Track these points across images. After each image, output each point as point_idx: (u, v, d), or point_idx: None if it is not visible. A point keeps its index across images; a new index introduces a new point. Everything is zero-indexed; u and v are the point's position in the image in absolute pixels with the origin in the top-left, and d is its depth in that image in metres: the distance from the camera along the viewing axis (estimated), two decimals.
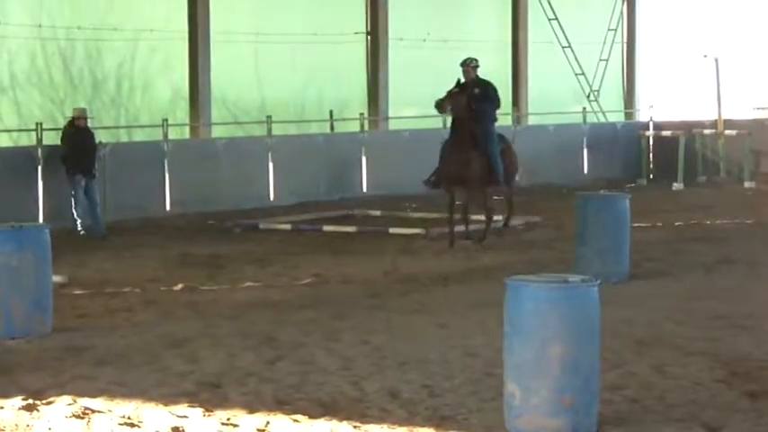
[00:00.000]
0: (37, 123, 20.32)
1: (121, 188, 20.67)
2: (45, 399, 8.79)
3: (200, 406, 8.52)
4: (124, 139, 23.00)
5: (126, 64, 23.66)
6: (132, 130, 23.74)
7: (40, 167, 19.95)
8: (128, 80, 23.83)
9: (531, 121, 30.72)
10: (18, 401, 8.66)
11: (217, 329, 11.56)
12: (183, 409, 8.47)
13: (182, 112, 24.64)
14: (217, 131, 24.83)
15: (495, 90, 18.05)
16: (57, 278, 12.90)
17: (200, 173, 22.35)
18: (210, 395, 8.92)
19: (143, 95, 24.34)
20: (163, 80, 24.52)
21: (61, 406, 8.61)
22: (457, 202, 17.78)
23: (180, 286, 14.22)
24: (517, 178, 19.53)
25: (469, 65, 17.95)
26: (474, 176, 17.27)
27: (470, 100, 17.31)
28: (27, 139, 20.97)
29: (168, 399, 8.77)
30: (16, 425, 8.13)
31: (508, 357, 7.88)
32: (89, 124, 19.81)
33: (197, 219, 21.17)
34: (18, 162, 19.94)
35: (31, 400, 8.71)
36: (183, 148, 22.87)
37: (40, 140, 20.07)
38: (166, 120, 22.38)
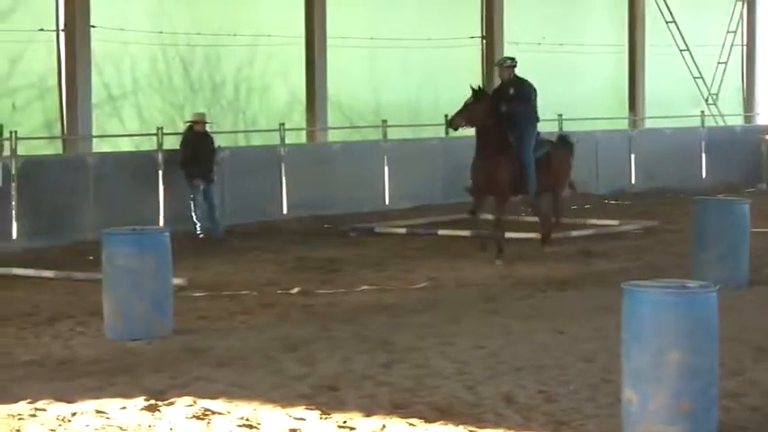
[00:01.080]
0: (158, 128, 20.63)
1: (239, 192, 20.87)
2: (166, 399, 8.94)
3: (317, 408, 8.59)
4: (242, 143, 23.26)
5: (244, 69, 23.94)
6: (250, 134, 24.01)
7: (160, 171, 20.22)
8: (246, 85, 24.10)
9: (648, 124, 30.39)
10: (140, 402, 8.81)
11: (333, 333, 11.64)
12: (300, 411, 8.55)
13: (298, 117, 24.86)
14: (333, 135, 25.00)
15: (531, 89, 16.90)
16: (176, 281, 13.09)
17: (317, 177, 22.49)
18: (327, 398, 8.98)
19: (260, 100, 24.59)
20: (280, 84, 24.75)
21: (181, 407, 8.74)
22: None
23: (296, 289, 14.34)
24: (567, 191, 18.05)
25: (503, 64, 17.11)
26: (500, 184, 16.25)
27: (500, 102, 16.38)
28: (148, 144, 21.33)
29: (285, 401, 8.85)
30: (138, 425, 8.28)
31: (626, 363, 7.82)
32: (208, 129, 20.05)
33: (313, 222, 21.32)
34: (139, 166, 20.22)
35: (152, 401, 8.87)
36: (299, 153, 23.04)
37: (160, 145, 20.39)
38: (283, 124, 22.56)
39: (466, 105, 16.32)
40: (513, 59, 17.12)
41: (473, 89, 16.40)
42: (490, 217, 17.07)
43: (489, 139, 16.23)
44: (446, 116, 25.74)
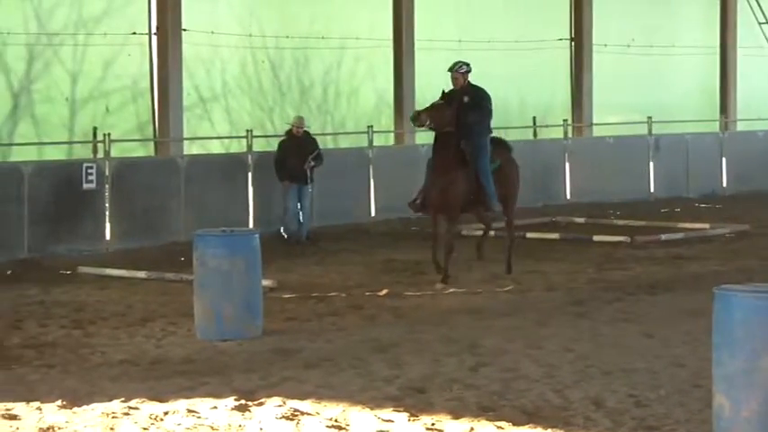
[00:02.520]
0: (247, 130, 20.83)
1: (328, 194, 20.98)
2: (256, 400, 9.02)
3: (405, 410, 8.62)
4: (330, 145, 23.37)
5: (332, 71, 24.05)
6: (338, 136, 24.13)
7: (250, 174, 20.43)
8: (334, 87, 24.21)
9: (740, 127, 30.04)
10: (231, 402, 8.91)
11: (420, 335, 11.67)
12: (388, 413, 8.58)
13: (386, 119, 24.92)
14: (420, 138, 24.99)
15: (488, 98, 15.57)
16: (266, 282, 13.22)
17: (404, 179, 22.46)
18: (415, 400, 9.00)
19: (349, 102, 24.69)
20: (368, 87, 24.83)
21: (271, 407, 8.82)
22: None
23: (384, 291, 14.40)
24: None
25: (458, 70, 15.44)
26: (454, 202, 15.04)
27: (459, 112, 15.00)
28: (237, 146, 21.54)
29: (374, 402, 8.90)
30: (229, 425, 8.37)
31: (717, 368, 7.75)
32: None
33: (401, 225, 21.37)
34: (229, 168, 20.43)
35: (242, 401, 8.95)
36: (387, 155, 23.12)
37: (250, 147, 20.58)
38: (371, 126, 22.67)
39: (434, 105, 15.16)
40: (467, 64, 15.60)
41: (443, 92, 15.21)
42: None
43: (447, 149, 14.99)
44: (534, 118, 25.95)
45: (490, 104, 15.58)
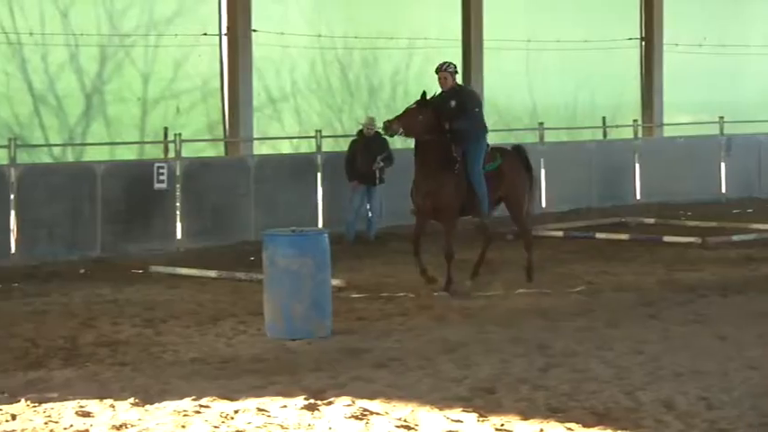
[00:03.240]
0: (316, 130, 20.92)
1: (397, 194, 20.96)
2: (325, 399, 9.06)
3: (475, 411, 8.61)
4: (399, 145, 23.37)
5: (401, 71, 24.09)
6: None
7: (319, 173, 20.52)
8: (402, 87, 24.23)
9: None
10: (300, 401, 8.95)
11: (489, 335, 11.66)
12: (457, 413, 8.58)
13: None
14: (490, 138, 24.88)
15: (476, 101, 14.93)
16: (335, 282, 13.26)
17: None
18: (484, 401, 8.99)
19: None
20: (436, 87, 24.76)
21: (340, 406, 8.85)
22: None
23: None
24: (532, 208, 15.91)
25: (446, 69, 14.58)
26: (446, 206, 14.38)
27: (444, 116, 14.27)
28: (307, 146, 21.64)
29: (443, 403, 8.89)
30: (298, 424, 8.41)
31: None
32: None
33: (470, 225, 21.29)
34: (298, 168, 20.53)
35: (312, 400, 9.00)
36: None
37: (319, 147, 20.67)
38: None
39: (407, 110, 14.44)
40: (453, 65, 14.79)
41: (423, 93, 14.44)
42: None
43: (431, 154, 14.27)
44: (603, 118, 25.80)
45: (479, 107, 14.88)
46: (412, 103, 14.52)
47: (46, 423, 8.39)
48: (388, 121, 14.29)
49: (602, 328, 11.94)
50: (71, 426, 8.33)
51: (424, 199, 14.41)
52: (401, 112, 14.55)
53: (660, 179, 24.83)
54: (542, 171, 23.49)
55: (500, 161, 14.87)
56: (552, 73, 26.32)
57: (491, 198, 14.72)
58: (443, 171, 14.27)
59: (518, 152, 15.55)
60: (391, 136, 14.77)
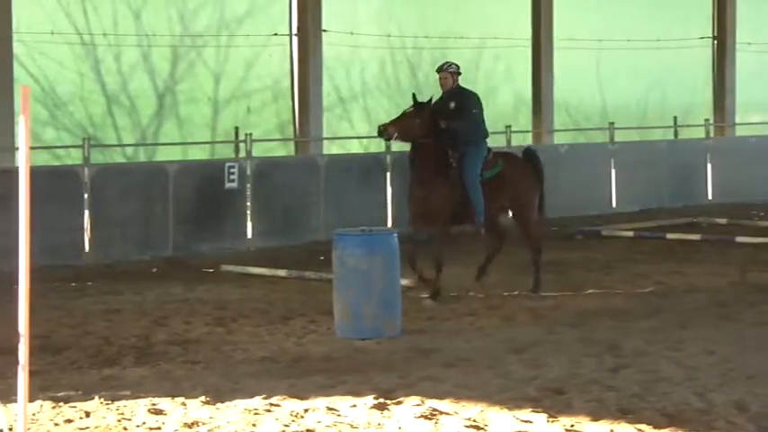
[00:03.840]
0: None
1: None
2: (395, 399, 9.09)
3: (544, 411, 8.59)
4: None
5: (470, 71, 24.03)
6: None
7: (388, 173, 20.57)
8: (472, 87, 24.15)
9: None
10: (370, 400, 8.98)
11: (559, 336, 11.63)
12: (527, 414, 8.56)
13: (524, 119, 24.88)
14: (559, 138, 24.92)
15: (475, 103, 14.24)
16: (404, 281, 13.29)
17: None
18: (553, 401, 8.97)
19: (486, 102, 24.54)
20: (505, 87, 24.82)
21: (410, 406, 8.87)
22: None
23: (522, 292, 14.37)
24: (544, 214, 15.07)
25: (447, 69, 14.22)
26: (437, 213, 13.92)
27: (440, 117, 13.89)
28: (376, 146, 21.68)
29: (512, 403, 8.88)
30: (368, 423, 8.44)
31: None
32: None
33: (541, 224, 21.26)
34: (368, 168, 20.60)
35: (381, 400, 9.03)
36: None
37: (388, 147, 20.70)
38: (509, 126, 22.63)
39: (404, 114, 14.06)
40: (456, 65, 14.37)
41: (414, 98, 14.07)
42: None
43: (426, 159, 13.87)
44: (675, 118, 25.61)
45: (479, 110, 14.28)
46: (408, 107, 14.09)
47: (119, 420, 8.50)
48: (383, 125, 13.93)
49: (673, 328, 11.87)
50: (143, 423, 8.43)
51: (415, 205, 14.00)
52: (398, 116, 14.18)
53: (732, 179, 24.62)
54: (612, 171, 23.42)
55: (501, 167, 14.33)
56: (623, 72, 26.18)
57: (491, 206, 14.18)
58: (437, 176, 13.84)
59: (527, 156, 15.03)
60: (387, 140, 14.37)
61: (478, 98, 14.37)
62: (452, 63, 14.42)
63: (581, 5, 25.58)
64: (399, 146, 21.44)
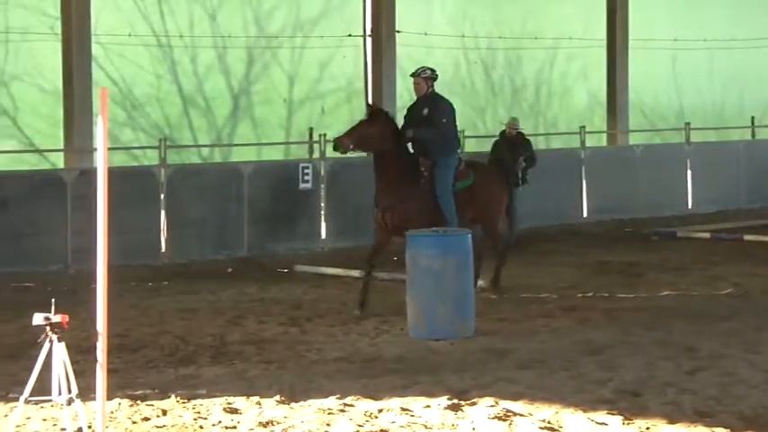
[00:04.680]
0: (459, 131, 20.90)
1: (539, 195, 20.92)
2: (468, 399, 9.08)
3: (620, 414, 8.54)
4: (542, 146, 23.29)
5: (545, 71, 23.97)
6: (550, 137, 24.04)
7: None
8: (546, 87, 24.13)
9: None
10: (443, 401, 8.98)
11: (634, 338, 11.55)
12: (602, 416, 8.52)
13: (599, 119, 24.72)
14: (634, 138, 24.73)
15: (445, 112, 13.74)
16: (478, 282, 13.26)
17: (617, 180, 22.31)
18: (629, 403, 8.91)
19: (561, 102, 24.56)
20: (580, 87, 24.68)
21: (484, 407, 8.86)
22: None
23: (597, 293, 14.30)
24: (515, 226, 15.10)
25: (421, 75, 13.75)
26: (411, 219, 13.18)
27: (407, 125, 13.53)
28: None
29: (587, 405, 8.84)
30: (442, 423, 8.44)
31: None
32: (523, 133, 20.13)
33: (614, 226, 21.19)
34: None
35: (455, 400, 9.03)
36: (600, 156, 22.92)
37: (461, 147, 20.65)
38: (584, 127, 22.51)
39: (359, 124, 13.70)
40: (432, 70, 13.85)
41: (368, 106, 13.97)
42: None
43: (389, 168, 13.36)
44: (752, 118, 25.32)
45: (451, 119, 13.82)
46: (363, 117, 13.76)
47: (195, 419, 8.58)
48: (338, 138, 13.48)
49: (751, 330, 11.74)
50: (219, 422, 8.50)
51: (384, 214, 13.40)
52: (352, 126, 13.77)
53: None
54: (688, 172, 23.20)
55: (473, 178, 13.91)
56: (699, 72, 25.92)
57: (463, 217, 13.67)
58: (404, 184, 13.36)
59: (496, 167, 14.79)
60: (343, 153, 13.62)
61: (452, 107, 13.87)
62: (427, 68, 13.91)
63: (656, 5, 25.35)
64: (473, 146, 21.49)
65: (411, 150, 13.62)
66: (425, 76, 13.72)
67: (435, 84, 13.93)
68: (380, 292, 14.46)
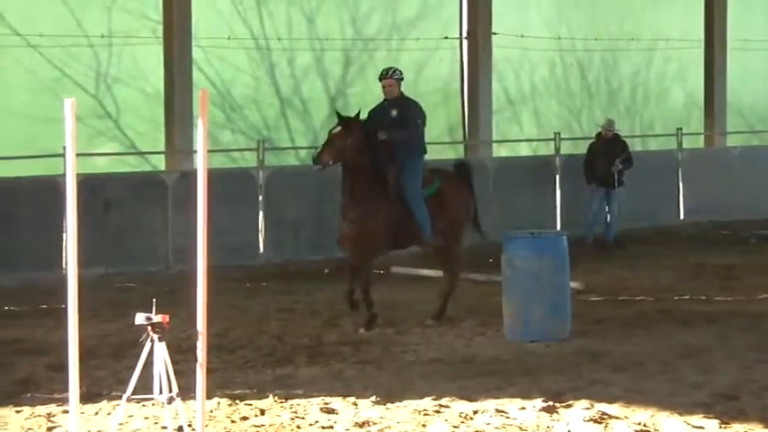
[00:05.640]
0: (555, 133, 20.92)
1: (635, 197, 20.82)
2: (564, 402, 9.10)
3: (716, 417, 8.51)
4: (638, 147, 23.14)
5: (641, 73, 23.83)
6: (646, 138, 23.89)
7: (557, 176, 20.54)
8: (642, 89, 23.98)
9: None
10: (539, 403, 9.02)
11: (732, 341, 11.48)
12: (698, 419, 8.49)
13: (696, 121, 24.51)
14: (732, 140, 24.49)
15: (420, 115, 13.11)
16: (573, 284, 13.25)
17: (715, 182, 22.12)
18: (726, 407, 8.87)
19: (657, 104, 24.40)
20: (677, 88, 24.48)
21: (579, 409, 8.87)
22: None
23: (693, 296, 14.21)
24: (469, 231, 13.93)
25: (391, 76, 13.06)
26: (373, 233, 12.65)
27: (379, 127, 12.74)
28: (545, 148, 21.65)
29: (683, 408, 8.81)
30: (537, 426, 8.47)
31: None
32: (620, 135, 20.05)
33: (711, 228, 21.00)
34: (537, 171, 20.61)
35: (550, 402, 9.06)
36: (697, 157, 22.75)
37: (557, 150, 20.67)
38: (681, 128, 22.35)
39: (333, 135, 12.74)
40: (399, 71, 13.23)
41: (339, 116, 12.90)
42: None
43: (360, 178, 12.67)
44: None
45: (422, 121, 13.16)
46: (333, 126, 12.95)
47: (292, 419, 8.70)
48: (317, 154, 12.66)
49: None
50: (316, 422, 8.61)
51: (350, 227, 12.76)
52: (326, 140, 12.84)
53: None
54: None
55: (438, 184, 13.18)
56: None
57: (437, 225, 13.00)
58: (372, 197, 12.65)
59: (459, 173, 13.85)
60: (321, 170, 12.71)
61: (422, 109, 13.28)
62: (396, 69, 13.29)
63: (755, 5, 25.09)
64: (568, 148, 21.43)
65: (377, 157, 12.78)
66: (397, 77, 13.09)
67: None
68: (476, 294, 14.52)
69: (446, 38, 21.23)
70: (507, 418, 8.73)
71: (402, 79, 13.19)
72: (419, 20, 21.04)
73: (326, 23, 20.16)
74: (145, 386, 7.55)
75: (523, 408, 8.97)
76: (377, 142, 12.72)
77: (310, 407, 9.07)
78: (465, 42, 21.38)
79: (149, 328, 7.45)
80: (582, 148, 20.58)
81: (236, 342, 11.86)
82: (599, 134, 19.93)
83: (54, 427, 8.72)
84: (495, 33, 21.43)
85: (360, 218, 12.65)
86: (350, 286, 12.70)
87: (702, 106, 24.44)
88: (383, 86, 13.10)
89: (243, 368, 10.72)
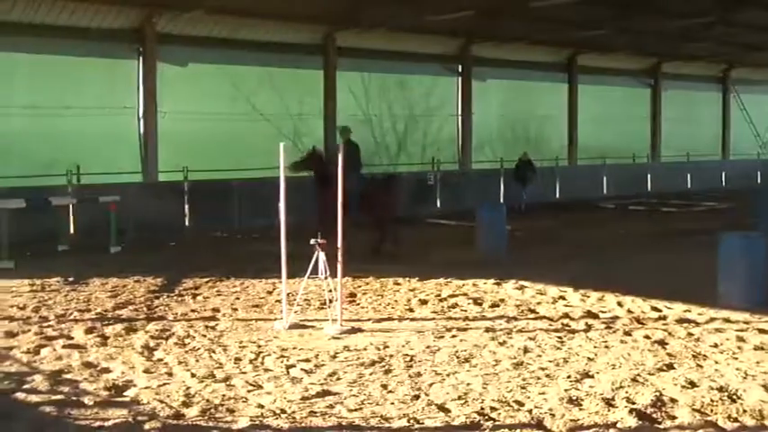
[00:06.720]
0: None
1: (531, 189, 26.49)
2: (505, 280, 12.50)
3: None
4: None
5: None
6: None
7: (501, 179, 26.97)
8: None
9: None
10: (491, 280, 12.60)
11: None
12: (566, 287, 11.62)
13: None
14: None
15: (356, 149, 19.65)
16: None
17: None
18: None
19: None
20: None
21: (510, 283, 12.42)
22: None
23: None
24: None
25: (347, 132, 19.84)
26: (328, 213, 17.33)
27: (331, 162, 18.98)
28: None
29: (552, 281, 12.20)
30: (491, 290, 11.49)
31: None
32: None
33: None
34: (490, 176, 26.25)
35: (497, 279, 12.68)
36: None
37: (501, 165, 27.23)
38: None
39: (302, 160, 19.65)
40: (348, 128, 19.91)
41: (313, 148, 20.16)
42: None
43: (323, 183, 19.18)
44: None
45: (358, 152, 19.77)
46: (302, 155, 20.38)
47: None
48: (293, 164, 19.78)
49: None
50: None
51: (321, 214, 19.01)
52: (297, 160, 20.14)
53: None
54: None
55: (367, 186, 20.17)
56: None
57: (366, 210, 19.84)
58: (327, 191, 19.02)
59: (388, 180, 20.90)
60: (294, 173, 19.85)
61: (358, 146, 19.89)
62: (346, 128, 20.36)
63: None
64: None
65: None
66: (349, 133, 20.25)
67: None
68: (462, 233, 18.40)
69: None
70: (475, 285, 13.84)
71: (351, 132, 20.26)
72: None
73: None
74: (314, 271, 12.38)
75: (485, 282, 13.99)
76: (329, 170, 19.26)
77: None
78: None
79: (317, 245, 13.09)
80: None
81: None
82: (520, 159, 28.51)
83: (273, 290, 14.92)
84: None
85: (323, 205, 19.27)
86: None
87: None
88: (341, 137, 20.21)
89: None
